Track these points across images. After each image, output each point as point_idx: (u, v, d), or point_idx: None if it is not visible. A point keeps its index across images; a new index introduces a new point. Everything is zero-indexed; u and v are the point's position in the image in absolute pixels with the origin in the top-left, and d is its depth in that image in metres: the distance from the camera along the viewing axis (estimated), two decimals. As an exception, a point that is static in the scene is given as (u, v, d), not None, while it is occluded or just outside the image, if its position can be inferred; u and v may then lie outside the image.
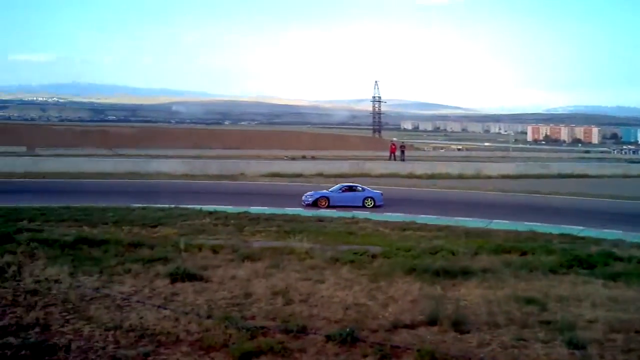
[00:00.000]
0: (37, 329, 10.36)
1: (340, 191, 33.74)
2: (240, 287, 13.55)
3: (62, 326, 10.57)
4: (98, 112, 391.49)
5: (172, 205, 27.65)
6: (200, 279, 14.17)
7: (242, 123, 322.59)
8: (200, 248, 17.91)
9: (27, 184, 38.00)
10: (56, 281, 13.50)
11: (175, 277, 14.00)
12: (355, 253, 17.65)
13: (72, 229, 20.97)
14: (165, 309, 11.74)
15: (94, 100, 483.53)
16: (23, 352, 9.18)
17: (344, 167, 55.36)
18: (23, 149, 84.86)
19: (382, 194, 34.09)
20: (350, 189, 34.24)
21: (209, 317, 11.20)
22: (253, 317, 11.42)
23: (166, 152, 78.07)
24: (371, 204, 32.72)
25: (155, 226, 22.68)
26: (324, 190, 34.23)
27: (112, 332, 10.25)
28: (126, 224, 22.71)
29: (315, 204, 32.10)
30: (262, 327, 10.68)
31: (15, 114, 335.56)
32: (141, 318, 11.01)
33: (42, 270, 14.39)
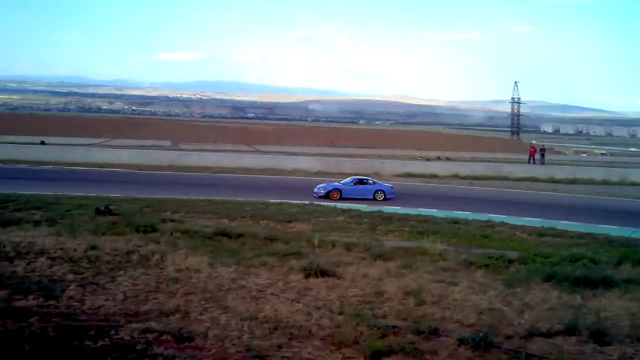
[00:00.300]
0: (177, 316, 10.79)
1: (352, 184, 35.23)
2: (372, 286, 13.56)
3: (201, 314, 10.97)
4: (238, 109, 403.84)
5: (307, 202, 28.11)
6: (332, 275, 14.28)
7: (377, 122, 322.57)
8: (333, 245, 18.07)
9: (171, 177, 39.80)
10: (196, 271, 14.05)
11: (309, 272, 14.19)
12: (490, 257, 17.22)
13: (211, 221, 21.79)
14: (299, 302, 11.94)
15: (234, 97, 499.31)
16: (164, 336, 9.61)
17: (480, 169, 54.21)
18: (167, 143, 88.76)
19: (392, 187, 35.55)
20: (362, 182, 35.65)
21: (340, 313, 11.28)
22: (384, 316, 11.39)
23: (302, 149, 79.33)
24: (382, 196, 34.05)
25: (291, 221, 23.13)
26: (337, 183, 35.48)
27: (247, 322, 10.53)
28: (263, 218, 23.31)
29: (327, 196, 33.27)
30: (394, 327, 10.63)
31: (160, 110, 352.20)
32: (275, 310, 11.25)
33: (183, 259, 15.02)
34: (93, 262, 14.35)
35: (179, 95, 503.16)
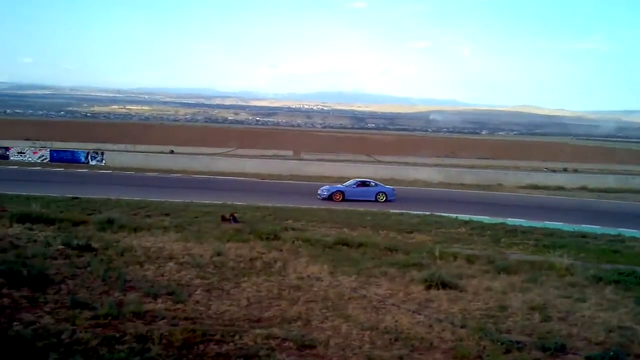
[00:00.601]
0: (299, 323, 10.89)
1: (355, 186, 36.58)
2: (495, 299, 13.22)
3: (322, 322, 11.02)
4: (359, 119, 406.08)
5: (428, 213, 27.83)
6: (454, 287, 14.02)
7: (500, 133, 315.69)
8: (455, 257, 17.77)
9: (292, 186, 40.41)
10: (317, 279, 14.16)
11: (430, 283, 13.99)
12: (620, 273, 16.40)
13: (332, 230, 21.97)
14: (420, 314, 11.79)
15: (355, 108, 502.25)
16: (286, 343, 9.71)
17: (610, 181, 51.97)
18: (289, 152, 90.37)
19: (394, 189, 36.87)
20: (364, 184, 36.93)
21: (462, 326, 11.05)
22: (508, 331, 11.06)
23: (422, 160, 78.73)
24: (383, 198, 35.56)
25: (411, 232, 22.96)
26: (339, 185, 37.07)
27: (368, 332, 10.49)
28: (383, 228, 23.25)
29: (330, 197, 34.65)
30: (518, 342, 10.30)
31: (283, 120, 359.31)
32: (396, 321, 11.16)
33: (304, 267, 15.21)
34: (218, 267, 14.74)
35: (301, 106, 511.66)
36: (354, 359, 9.34)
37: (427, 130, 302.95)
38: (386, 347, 9.88)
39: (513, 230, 24.64)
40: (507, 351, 9.82)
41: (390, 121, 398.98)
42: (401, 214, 27.49)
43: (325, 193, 35.08)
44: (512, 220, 27.24)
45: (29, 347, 8.78)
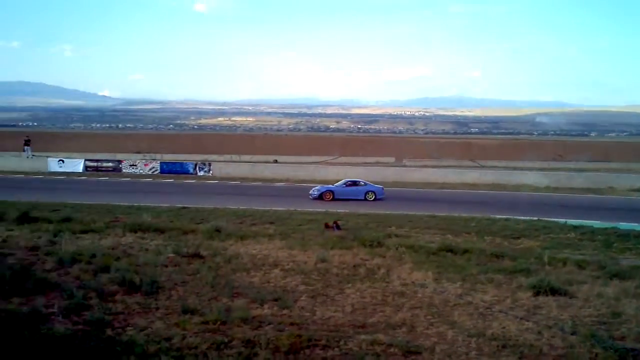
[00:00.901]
0: (404, 329, 10.87)
1: (344, 186, 37.65)
2: (607, 306, 12.73)
3: (427, 328, 10.95)
4: (461, 124, 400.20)
5: (535, 218, 27.13)
6: (564, 294, 13.61)
7: (610, 134, 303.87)
8: (564, 262, 17.24)
9: (395, 192, 40.23)
10: (421, 285, 14.08)
11: (538, 290, 13.65)
12: None
13: (436, 237, 21.73)
14: (528, 321, 11.52)
15: (457, 113, 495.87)
16: (392, 349, 9.70)
17: None
18: (392, 159, 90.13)
19: (383, 188, 37.81)
20: (354, 183, 37.85)
21: (573, 333, 10.72)
22: (622, 338, 10.65)
23: (528, 164, 76.80)
24: (372, 197, 36.51)
25: (518, 238, 22.41)
26: (330, 185, 38.12)
27: (474, 339, 10.35)
28: (488, 234, 22.82)
29: (320, 197, 35.79)
30: (633, 350, 9.91)
31: (385, 127, 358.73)
32: (503, 328, 10.95)
33: (408, 274, 15.15)
34: (323, 274, 14.89)
35: (403, 112, 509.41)
36: (460, 365, 9.24)
37: (532, 134, 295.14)
38: (493, 354, 9.72)
39: (625, 235, 23.64)
40: (622, 359, 9.46)
41: (494, 125, 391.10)
42: (507, 219, 26.85)
43: (315, 193, 36.44)
44: (624, 225, 26.13)
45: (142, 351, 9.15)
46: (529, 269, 16.07)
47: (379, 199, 36.30)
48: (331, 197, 35.90)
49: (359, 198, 36.19)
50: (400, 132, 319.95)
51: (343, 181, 38.60)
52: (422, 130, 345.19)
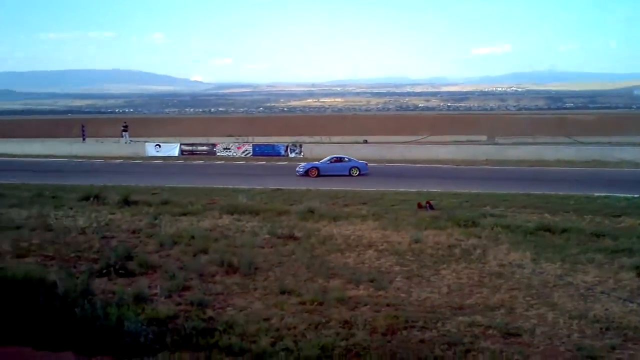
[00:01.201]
0: (502, 311, 10.72)
1: (329, 162, 38.60)
2: None
3: (526, 310, 10.77)
4: (555, 99, 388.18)
5: (637, 195, 26.09)
6: (671, 274, 13.11)
7: None
8: (670, 241, 16.56)
9: (488, 171, 39.56)
10: (519, 266, 13.84)
11: (643, 270, 13.20)
12: None
13: (533, 216, 21.21)
14: (632, 302, 11.16)
15: (551, 88, 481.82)
16: (490, 331, 9.57)
17: None
18: (483, 137, 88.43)
19: (367, 163, 38.96)
20: (339, 160, 38.92)
21: (681, 316, 10.32)
22: None
23: (629, 139, 73.89)
24: (356, 172, 37.60)
25: (619, 216, 21.58)
26: (316, 162, 39.12)
27: (576, 321, 10.12)
28: (587, 213, 22.09)
29: (306, 174, 36.89)
30: None
31: (475, 105, 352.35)
32: (606, 310, 10.66)
33: (505, 254, 14.91)
34: (417, 255, 14.85)
35: (494, 89, 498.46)
36: (562, 348, 9.06)
37: (632, 107, 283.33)
38: (596, 336, 9.50)
39: None
40: None
41: (590, 100, 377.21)
42: (607, 197, 25.94)
43: (301, 170, 37.60)
44: None
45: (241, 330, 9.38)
46: (632, 249, 15.54)
47: (363, 174, 37.53)
48: (316, 173, 37.10)
49: (344, 174, 37.34)
50: (492, 109, 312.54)
51: (328, 158, 39.67)
52: (514, 106, 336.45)
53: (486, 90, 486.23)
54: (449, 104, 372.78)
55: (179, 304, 10.83)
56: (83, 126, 70.63)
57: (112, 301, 10.32)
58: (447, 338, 9.27)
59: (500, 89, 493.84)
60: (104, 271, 12.69)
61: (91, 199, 23.30)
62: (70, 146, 60.46)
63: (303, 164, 39.19)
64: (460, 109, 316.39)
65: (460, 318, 10.16)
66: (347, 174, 37.39)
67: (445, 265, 13.82)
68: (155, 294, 11.29)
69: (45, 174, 36.45)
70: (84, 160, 49.72)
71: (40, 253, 14.69)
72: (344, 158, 39.31)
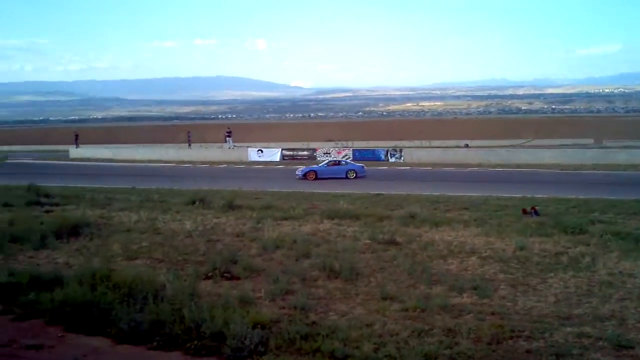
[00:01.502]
0: (613, 322, 10.32)
1: (327, 166, 40.11)
2: None
3: (639, 322, 10.32)
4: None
5: None
6: None
7: None
8: None
9: (596, 176, 38.28)
10: (630, 275, 13.27)
11: None
12: None
13: (645, 223, 20.29)
14: None
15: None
16: (600, 342, 9.24)
17: None
18: (590, 141, 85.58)
19: (363, 166, 40.55)
20: (337, 163, 41.08)
21: None
22: None
23: None
24: (353, 175, 38.91)
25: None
26: (314, 166, 40.97)
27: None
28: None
29: (305, 177, 38.12)
30: None
31: (581, 107, 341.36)
32: None
33: (615, 263, 14.33)
34: (522, 262, 14.48)
35: (600, 90, 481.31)
36: (679, 364, 8.64)
37: None
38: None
39: None
40: None
41: None
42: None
43: (300, 173, 38.79)
44: None
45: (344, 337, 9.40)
46: None
47: (360, 177, 38.72)
48: (314, 176, 38.25)
49: (341, 176, 38.63)
50: (599, 111, 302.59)
51: (326, 161, 41.42)
52: (623, 108, 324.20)
53: (592, 91, 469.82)
54: (553, 107, 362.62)
55: (283, 307, 10.98)
56: (189, 132, 72.95)
57: (218, 304, 10.56)
58: (555, 349, 8.99)
59: (608, 90, 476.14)
60: (210, 274, 13.03)
61: (196, 202, 24.01)
62: (177, 152, 62.58)
63: (302, 167, 40.97)
64: (565, 111, 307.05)
65: (569, 329, 9.84)
66: (344, 176, 38.80)
67: (552, 274, 13.41)
68: (259, 298, 11.49)
69: (154, 178, 37.92)
70: (189, 165, 51.32)
71: (149, 255, 15.26)
72: (341, 161, 41.91)
